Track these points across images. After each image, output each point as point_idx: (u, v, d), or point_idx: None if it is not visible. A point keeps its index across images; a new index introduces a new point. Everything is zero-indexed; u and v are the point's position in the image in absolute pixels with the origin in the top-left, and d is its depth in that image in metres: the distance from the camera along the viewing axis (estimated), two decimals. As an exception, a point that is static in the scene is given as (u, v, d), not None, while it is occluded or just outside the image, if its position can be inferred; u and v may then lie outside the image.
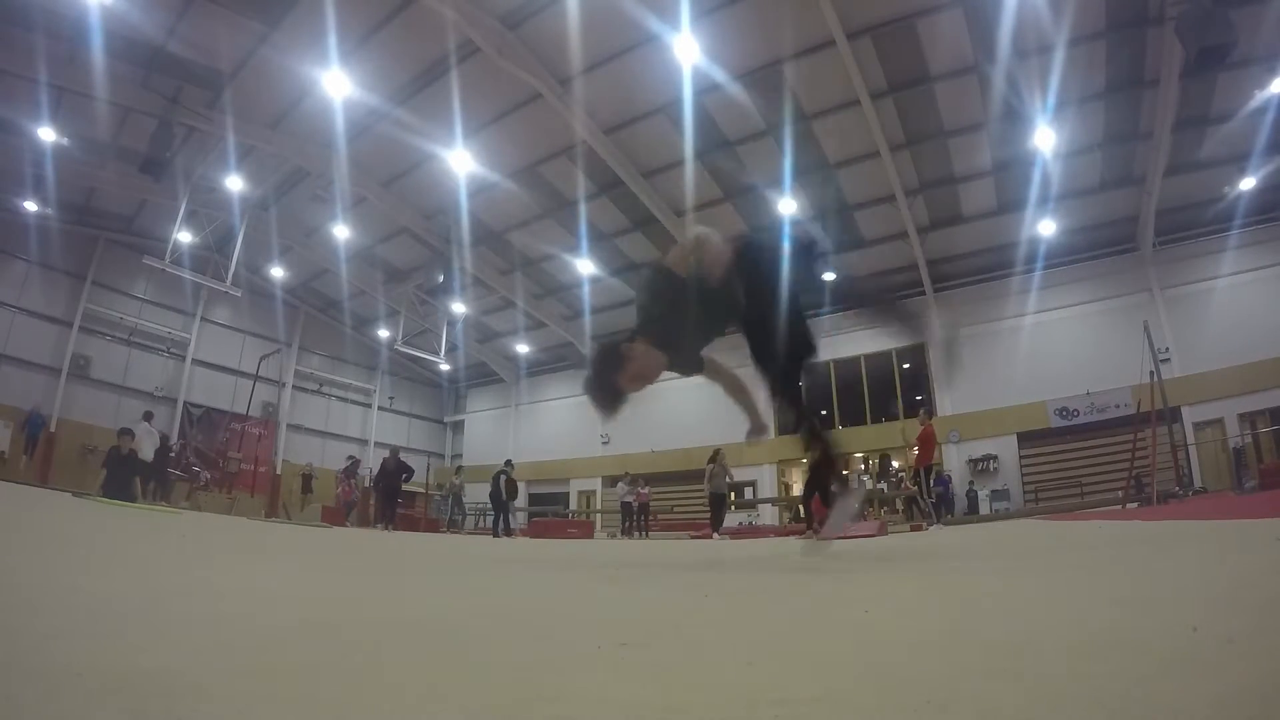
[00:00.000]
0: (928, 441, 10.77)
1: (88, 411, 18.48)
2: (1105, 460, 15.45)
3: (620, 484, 16.33)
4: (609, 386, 2.36)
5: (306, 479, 17.71)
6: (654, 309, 2.43)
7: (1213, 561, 2.08)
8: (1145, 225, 15.94)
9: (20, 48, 12.24)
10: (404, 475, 13.69)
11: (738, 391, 2.98)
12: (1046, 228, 16.35)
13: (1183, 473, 12.50)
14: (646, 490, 16.42)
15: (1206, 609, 1.06)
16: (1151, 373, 11.34)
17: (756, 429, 3.03)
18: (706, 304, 2.45)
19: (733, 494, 13.73)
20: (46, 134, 14.46)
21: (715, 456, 13.15)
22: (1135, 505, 11.31)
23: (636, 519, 15.82)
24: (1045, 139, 13.57)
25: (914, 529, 10.93)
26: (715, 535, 11.82)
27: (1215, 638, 0.79)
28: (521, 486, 20.68)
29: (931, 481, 11.23)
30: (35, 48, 12.15)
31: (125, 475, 10.13)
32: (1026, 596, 1.51)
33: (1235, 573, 1.64)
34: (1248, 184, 14.40)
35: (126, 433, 10.57)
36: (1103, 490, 14.58)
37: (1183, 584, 1.53)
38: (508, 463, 15.33)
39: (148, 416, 13.11)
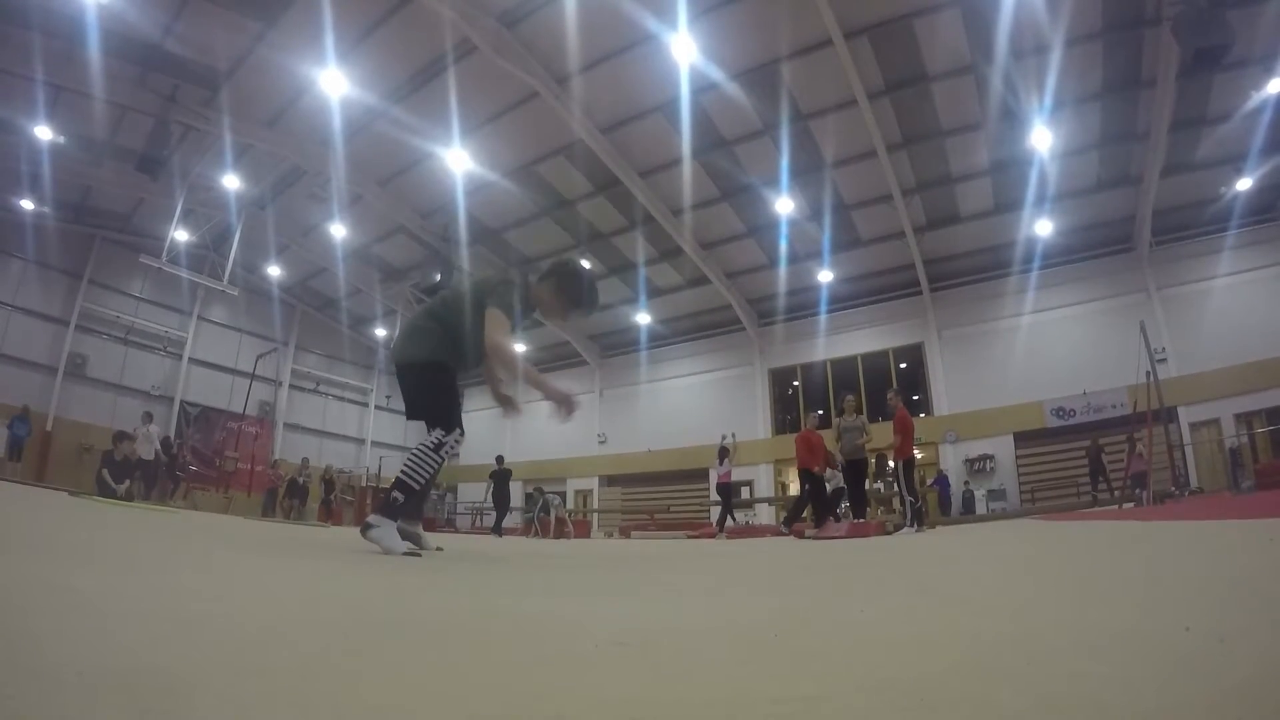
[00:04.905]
0: (905, 428, 9.10)
1: (85, 410, 18.44)
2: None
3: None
4: None
5: (293, 481, 17.59)
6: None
7: (1207, 562, 2.09)
8: (1142, 225, 15.98)
9: (17, 46, 12.20)
10: None
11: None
12: (1043, 227, 16.39)
13: (1179, 473, 12.54)
14: None
15: (1200, 609, 1.07)
16: (1148, 373, 11.36)
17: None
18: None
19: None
20: (43, 132, 14.42)
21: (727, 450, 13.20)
22: (1131, 505, 11.34)
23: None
24: (1042, 139, 13.60)
25: (896, 528, 9.22)
26: (720, 534, 11.69)
27: (1208, 637, 0.80)
28: (518, 486, 20.73)
29: (916, 477, 9.53)
30: (32, 46, 12.10)
31: (118, 477, 10.09)
32: (1021, 597, 1.52)
33: (1229, 573, 1.65)
34: (1244, 184, 14.45)
35: (124, 437, 10.50)
36: (1099, 490, 14.62)
37: (1177, 584, 1.54)
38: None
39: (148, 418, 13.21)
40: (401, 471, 3.00)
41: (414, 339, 3.23)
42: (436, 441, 3.02)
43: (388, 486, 3.42)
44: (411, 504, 3.52)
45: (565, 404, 2.93)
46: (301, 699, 0.59)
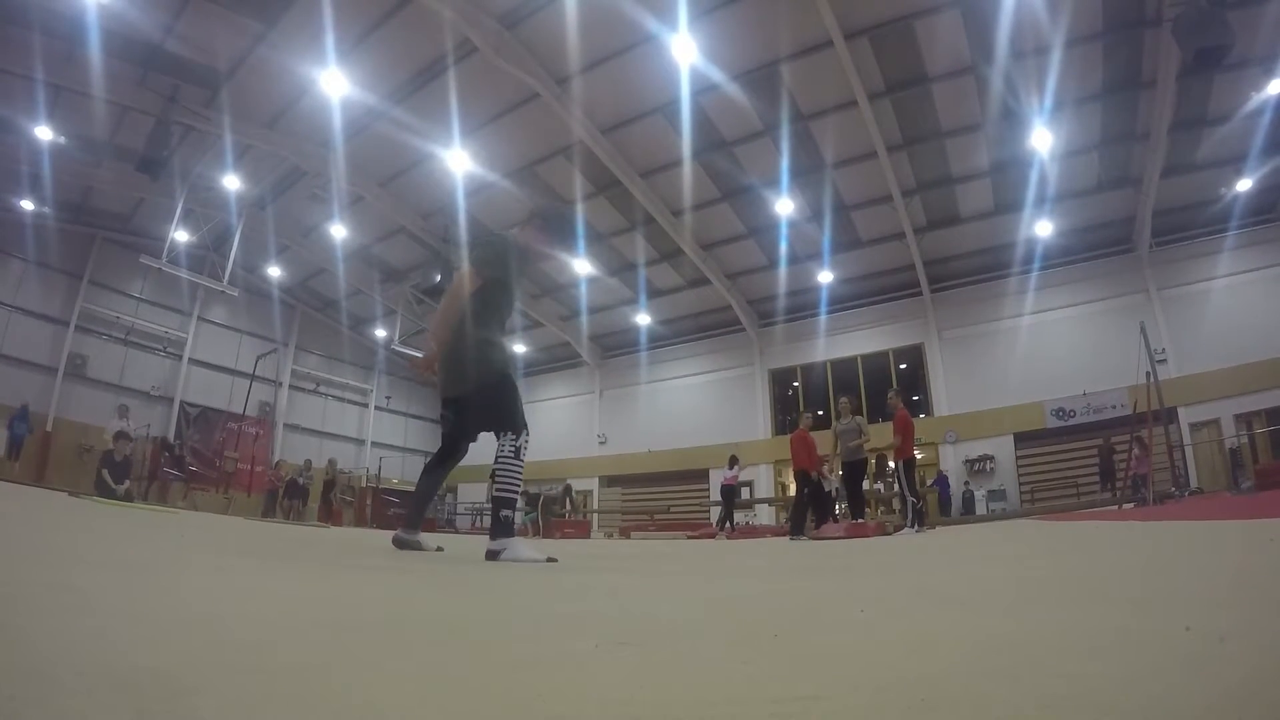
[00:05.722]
0: (906, 428, 9.19)
1: (85, 411, 18.43)
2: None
3: None
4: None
5: (293, 483, 17.58)
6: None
7: (1207, 562, 2.09)
8: (1142, 226, 15.98)
9: (17, 46, 12.20)
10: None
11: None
12: (1043, 228, 16.39)
13: (1179, 473, 12.53)
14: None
15: (1200, 608, 1.07)
16: (1148, 373, 11.36)
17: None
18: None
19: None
20: (44, 133, 14.42)
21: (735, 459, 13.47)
22: (1131, 505, 11.34)
23: None
24: (1042, 140, 13.60)
25: (896, 529, 9.49)
26: (720, 534, 11.79)
27: (1208, 637, 0.80)
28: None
29: (918, 478, 9.66)
30: (33, 46, 12.10)
31: (118, 478, 10.12)
32: (1022, 596, 1.52)
33: (1229, 573, 1.65)
34: (1244, 185, 14.45)
35: (123, 437, 10.53)
36: (1099, 491, 14.63)
37: (1177, 584, 1.54)
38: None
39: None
40: (498, 490, 3.13)
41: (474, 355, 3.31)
42: (515, 448, 3.13)
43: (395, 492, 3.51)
44: (413, 513, 3.56)
45: (417, 363, 3.41)
46: (301, 699, 0.59)
